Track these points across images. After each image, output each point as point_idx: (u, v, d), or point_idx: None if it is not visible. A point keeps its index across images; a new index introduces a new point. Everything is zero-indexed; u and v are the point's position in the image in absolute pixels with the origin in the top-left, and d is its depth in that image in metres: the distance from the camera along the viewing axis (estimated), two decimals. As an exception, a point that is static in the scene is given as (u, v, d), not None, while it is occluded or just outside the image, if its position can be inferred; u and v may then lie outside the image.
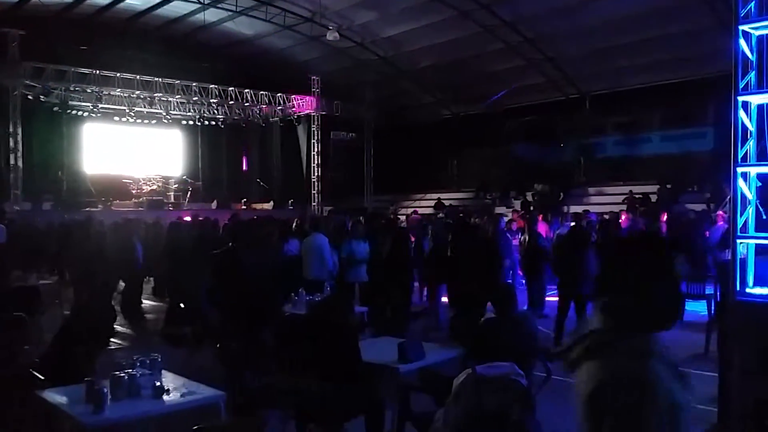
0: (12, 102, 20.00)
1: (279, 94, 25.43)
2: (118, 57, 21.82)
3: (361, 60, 25.22)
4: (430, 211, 22.38)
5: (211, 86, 23.71)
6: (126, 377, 4.13)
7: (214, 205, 24.14)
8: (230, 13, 22.57)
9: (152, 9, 22.55)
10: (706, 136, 20.50)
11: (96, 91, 21.68)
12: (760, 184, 4.81)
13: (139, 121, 23.77)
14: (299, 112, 26.29)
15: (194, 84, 23.30)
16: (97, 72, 21.16)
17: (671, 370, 1.83)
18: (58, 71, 20.59)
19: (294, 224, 12.07)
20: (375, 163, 28.15)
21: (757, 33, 4.73)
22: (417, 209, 21.73)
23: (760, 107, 4.77)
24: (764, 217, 4.80)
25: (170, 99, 23.61)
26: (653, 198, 19.55)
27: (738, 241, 4.73)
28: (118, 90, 22.01)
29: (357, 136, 28.60)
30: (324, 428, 4.53)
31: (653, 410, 1.71)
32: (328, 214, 20.01)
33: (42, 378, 4.64)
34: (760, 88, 4.72)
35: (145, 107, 23.47)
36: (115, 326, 7.43)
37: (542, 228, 13.07)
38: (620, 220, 14.53)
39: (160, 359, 4.53)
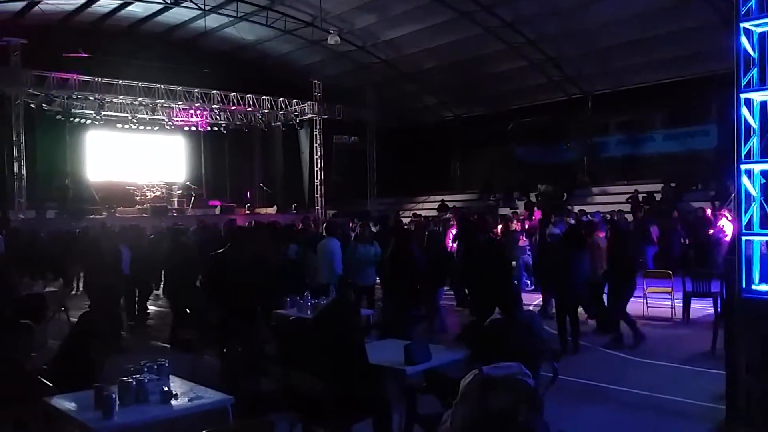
0: (15, 110, 20.10)
1: (281, 99, 25.49)
2: (120, 64, 21.89)
3: (362, 63, 25.27)
4: (434, 213, 22.38)
5: (213, 92, 23.78)
6: (134, 383, 4.14)
7: (217, 210, 24.18)
8: (231, 18, 22.65)
9: (153, 16, 22.65)
10: (710, 134, 20.48)
11: (98, 99, 21.77)
12: (764, 180, 4.81)
13: (141, 127, 23.86)
14: (301, 117, 26.34)
15: (196, 90, 23.36)
16: (100, 79, 21.24)
17: None
18: (60, 79, 20.68)
19: (298, 228, 12.07)
20: (378, 166, 28.17)
21: (759, 30, 4.73)
22: (417, 211, 21.75)
23: (762, 104, 4.77)
24: (769, 213, 4.79)
25: (172, 105, 23.68)
26: (657, 197, 19.52)
27: (743, 238, 4.73)
28: (121, 97, 22.09)
29: (359, 139, 28.61)
30: (331, 430, 4.54)
31: None
32: (342, 219, 19.92)
33: (50, 384, 4.65)
34: (762, 85, 4.71)
35: (147, 114, 23.55)
36: (122, 332, 7.47)
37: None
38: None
39: (167, 364, 4.53)
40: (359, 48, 24.23)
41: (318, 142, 26.62)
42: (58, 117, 21.89)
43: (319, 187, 26.70)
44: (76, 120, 22.41)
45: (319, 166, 26.71)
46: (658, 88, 21.15)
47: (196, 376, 4.89)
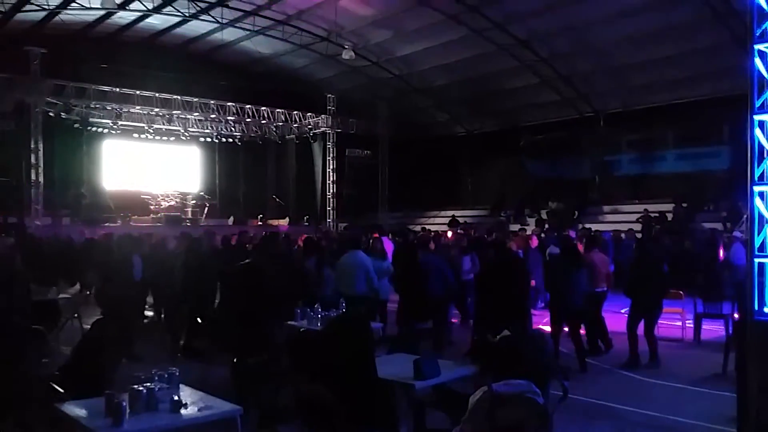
0: (34, 119, 20.37)
1: (295, 112, 25.69)
2: (137, 75, 22.17)
3: (376, 78, 25.44)
4: (444, 228, 22.37)
5: (229, 104, 24.00)
6: (144, 391, 4.17)
7: (230, 221, 24.31)
8: (248, 32, 22.91)
9: (172, 28, 22.95)
10: (722, 155, 20.38)
11: (116, 109, 22.05)
12: (777, 203, 4.79)
13: (157, 138, 24.10)
14: (315, 130, 26.50)
15: (212, 102, 23.60)
16: (117, 90, 21.51)
17: None
18: (78, 89, 20.96)
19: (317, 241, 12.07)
20: (390, 180, 28.24)
21: (773, 53, 4.73)
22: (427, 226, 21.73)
23: (776, 126, 4.77)
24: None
25: (188, 116, 23.92)
26: (669, 216, 19.42)
27: (756, 260, 4.71)
28: (138, 107, 22.34)
29: (372, 153, 28.73)
30: (339, 444, 4.54)
31: None
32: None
33: (62, 391, 4.70)
34: (776, 108, 4.71)
35: (163, 124, 23.79)
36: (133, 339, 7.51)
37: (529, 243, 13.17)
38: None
39: (177, 373, 4.56)
40: (373, 63, 24.41)
41: (331, 155, 26.76)
42: (76, 126, 22.18)
43: (331, 200, 26.79)
44: (94, 129, 22.69)
45: (331, 179, 26.82)
46: (671, 107, 21.11)
47: (206, 386, 4.91)
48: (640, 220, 19.56)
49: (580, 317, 8.64)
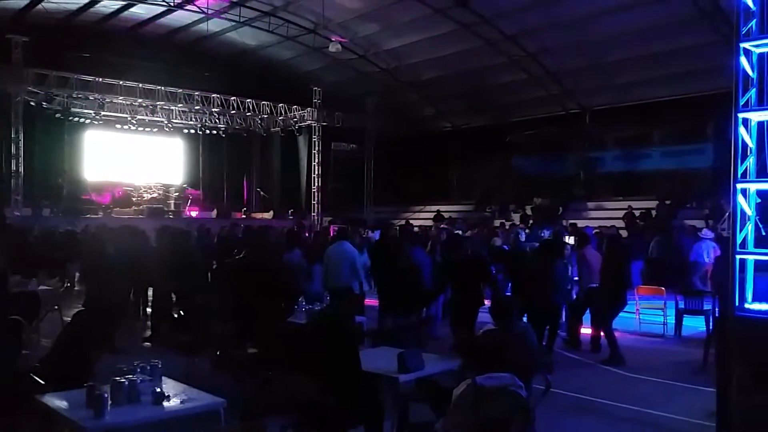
0: (14, 108, 20.07)
1: (281, 105, 25.54)
2: (121, 65, 21.92)
3: (363, 72, 25.37)
4: (429, 222, 22.41)
5: (213, 95, 23.82)
6: (126, 383, 4.13)
7: (213, 213, 24.16)
8: (234, 23, 22.72)
9: (156, 18, 22.70)
10: (706, 152, 20.60)
11: (98, 99, 21.79)
12: (759, 200, 4.84)
13: (140, 129, 23.86)
14: (300, 123, 26.39)
15: (196, 93, 23.41)
16: (100, 80, 21.26)
17: None
18: (61, 78, 20.68)
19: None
20: (375, 175, 28.22)
21: (758, 51, 4.77)
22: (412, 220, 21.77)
23: (760, 124, 4.81)
24: (763, 233, 4.83)
25: (172, 107, 23.71)
26: (653, 213, 19.59)
27: (737, 256, 4.76)
28: (121, 98, 22.11)
29: (358, 147, 28.69)
30: (323, 437, 4.53)
31: None
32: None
33: (42, 382, 4.65)
34: (760, 105, 4.75)
35: (147, 115, 23.55)
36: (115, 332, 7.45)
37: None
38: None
39: (160, 365, 4.53)
40: (360, 56, 24.34)
41: (316, 148, 26.65)
42: (58, 116, 21.91)
43: (316, 194, 26.70)
44: (76, 119, 22.44)
45: (316, 172, 26.72)
46: (656, 105, 21.27)
47: (189, 379, 4.88)
48: (625, 217, 19.71)
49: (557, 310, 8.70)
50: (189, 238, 10.62)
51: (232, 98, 24.16)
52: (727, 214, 12.66)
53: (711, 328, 8.39)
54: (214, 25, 22.81)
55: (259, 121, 26.18)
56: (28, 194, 20.49)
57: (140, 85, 22.15)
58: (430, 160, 27.48)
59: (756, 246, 4.78)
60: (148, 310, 10.76)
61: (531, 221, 20.92)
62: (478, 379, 3.81)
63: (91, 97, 21.75)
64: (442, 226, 19.02)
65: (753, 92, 4.76)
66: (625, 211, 20.03)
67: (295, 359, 4.76)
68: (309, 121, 26.20)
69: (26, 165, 20.53)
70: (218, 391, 4.54)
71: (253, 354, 5.79)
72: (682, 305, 9.96)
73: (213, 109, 24.20)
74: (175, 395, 4.24)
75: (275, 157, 28.74)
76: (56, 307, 9.31)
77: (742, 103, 4.74)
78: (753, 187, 4.79)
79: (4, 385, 4.90)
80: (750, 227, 4.77)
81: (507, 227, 18.23)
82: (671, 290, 10.51)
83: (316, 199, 26.65)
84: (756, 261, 4.78)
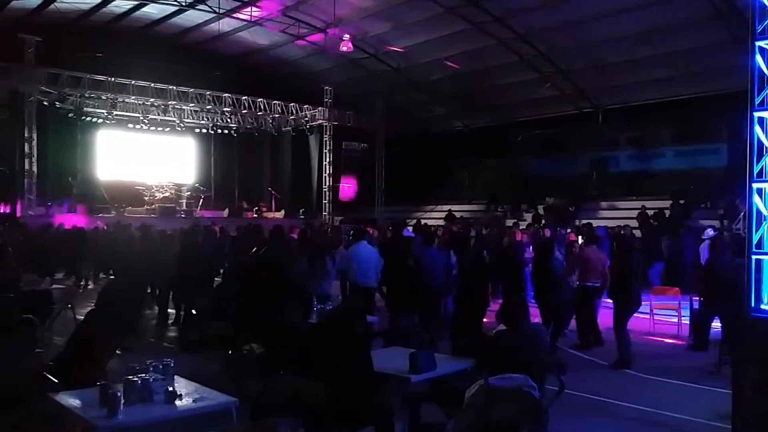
0: (28, 107, 20.24)
1: (292, 104, 25.58)
2: (133, 65, 22.04)
3: (373, 71, 25.34)
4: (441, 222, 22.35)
5: (225, 95, 23.90)
6: (139, 382, 4.14)
7: (225, 213, 24.24)
8: (245, 23, 22.77)
9: (168, 18, 22.80)
10: (720, 152, 20.43)
11: (111, 98, 21.93)
12: (775, 200, 4.78)
13: (152, 128, 23.98)
14: (312, 122, 26.42)
15: (208, 92, 23.50)
16: (112, 79, 21.39)
17: None
18: (73, 78, 20.82)
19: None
20: (386, 174, 28.18)
21: (774, 49, 4.72)
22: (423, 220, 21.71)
23: (776, 123, 4.76)
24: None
25: (184, 107, 23.81)
26: (666, 213, 19.44)
27: (753, 257, 4.70)
28: (133, 97, 22.24)
29: (369, 146, 28.67)
30: (334, 437, 4.52)
31: None
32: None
33: (55, 381, 4.67)
34: (776, 104, 4.70)
35: (159, 115, 23.67)
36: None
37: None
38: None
39: (172, 364, 4.53)
40: (371, 55, 24.31)
41: (327, 148, 26.68)
42: (71, 115, 22.04)
43: (327, 193, 26.73)
44: (88, 118, 22.56)
45: (327, 172, 26.75)
46: (669, 104, 21.11)
47: (201, 378, 4.89)
48: (638, 217, 19.55)
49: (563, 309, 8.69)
50: (196, 238, 10.66)
51: (244, 98, 24.23)
52: (742, 213, 12.55)
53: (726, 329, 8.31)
54: (225, 25, 22.88)
55: (271, 121, 26.24)
56: (41, 193, 20.68)
57: (152, 84, 22.27)
58: (440, 159, 27.42)
59: (772, 246, 4.72)
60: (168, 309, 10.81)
61: (543, 221, 20.80)
62: (490, 380, 3.79)
63: (103, 97, 21.89)
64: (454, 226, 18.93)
65: (769, 91, 4.70)
66: (638, 211, 19.88)
67: (306, 358, 4.75)
68: (320, 121, 26.23)
69: (39, 164, 20.70)
70: (230, 390, 4.54)
71: (265, 353, 5.78)
72: (697, 306, 9.86)
73: (224, 109, 24.28)
74: (187, 394, 4.25)
75: (286, 157, 28.80)
76: (69, 305, 9.38)
77: (758, 102, 4.68)
78: (769, 187, 4.73)
79: (18, 383, 4.93)
80: (766, 227, 4.71)
81: (535, 227, 17.99)
82: (687, 292, 10.40)
83: (327, 198, 26.67)
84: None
